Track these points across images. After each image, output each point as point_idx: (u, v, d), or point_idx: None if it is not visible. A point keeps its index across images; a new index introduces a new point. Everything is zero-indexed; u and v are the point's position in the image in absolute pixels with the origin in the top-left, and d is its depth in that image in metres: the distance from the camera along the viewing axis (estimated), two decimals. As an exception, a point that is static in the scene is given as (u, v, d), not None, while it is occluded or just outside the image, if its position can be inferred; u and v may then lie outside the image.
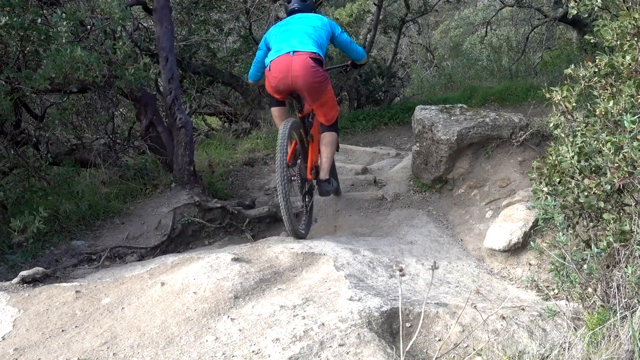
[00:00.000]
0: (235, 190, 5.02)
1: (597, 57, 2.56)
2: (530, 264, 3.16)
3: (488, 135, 4.12)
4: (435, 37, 14.37)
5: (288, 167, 3.24)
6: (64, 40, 3.46)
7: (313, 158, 3.67)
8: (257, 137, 6.70)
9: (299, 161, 3.62)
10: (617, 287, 2.06)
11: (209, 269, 2.71)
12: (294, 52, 3.31)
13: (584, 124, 2.51)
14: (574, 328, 2.14)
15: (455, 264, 3.27)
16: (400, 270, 1.77)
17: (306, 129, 3.70)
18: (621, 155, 2.15)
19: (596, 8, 2.78)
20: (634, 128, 2.11)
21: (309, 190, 3.71)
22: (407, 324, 2.28)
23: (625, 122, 2.12)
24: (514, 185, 3.85)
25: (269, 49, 3.56)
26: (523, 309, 2.45)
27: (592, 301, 2.23)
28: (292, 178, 3.40)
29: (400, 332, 1.96)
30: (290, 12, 3.71)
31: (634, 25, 2.43)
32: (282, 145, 3.21)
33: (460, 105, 4.63)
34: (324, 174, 3.59)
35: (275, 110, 3.71)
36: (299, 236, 3.36)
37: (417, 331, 2.16)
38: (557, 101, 2.64)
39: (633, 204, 2.21)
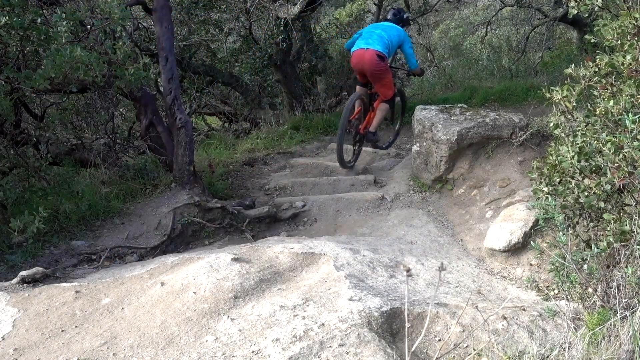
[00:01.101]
0: (235, 190, 5.02)
1: (597, 57, 2.55)
2: (530, 264, 3.16)
3: (488, 135, 4.12)
4: (435, 37, 14.34)
5: (349, 122, 5.00)
6: (63, 40, 3.45)
7: (368, 120, 5.30)
8: (257, 137, 6.70)
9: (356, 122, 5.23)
10: (617, 287, 2.06)
11: (209, 269, 2.71)
12: (367, 48, 4.92)
13: (584, 124, 2.50)
14: (574, 328, 2.14)
15: (455, 264, 3.27)
16: (408, 270, 1.77)
17: (371, 102, 5.34)
18: (621, 155, 2.15)
19: (596, 8, 2.78)
20: (634, 128, 2.10)
21: (359, 140, 5.36)
22: (407, 324, 2.28)
23: (625, 121, 2.12)
24: (514, 185, 3.85)
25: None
26: (523, 309, 2.45)
27: (592, 301, 2.22)
28: (349, 130, 5.06)
29: (405, 331, 1.96)
30: (384, 19, 5.48)
31: (634, 24, 2.42)
32: (348, 106, 4.98)
33: (460, 105, 4.63)
34: (372, 128, 5.23)
35: (358, 88, 5.33)
36: (345, 166, 5.07)
37: (422, 332, 2.16)
38: (557, 101, 2.64)
39: (633, 204, 2.21)
